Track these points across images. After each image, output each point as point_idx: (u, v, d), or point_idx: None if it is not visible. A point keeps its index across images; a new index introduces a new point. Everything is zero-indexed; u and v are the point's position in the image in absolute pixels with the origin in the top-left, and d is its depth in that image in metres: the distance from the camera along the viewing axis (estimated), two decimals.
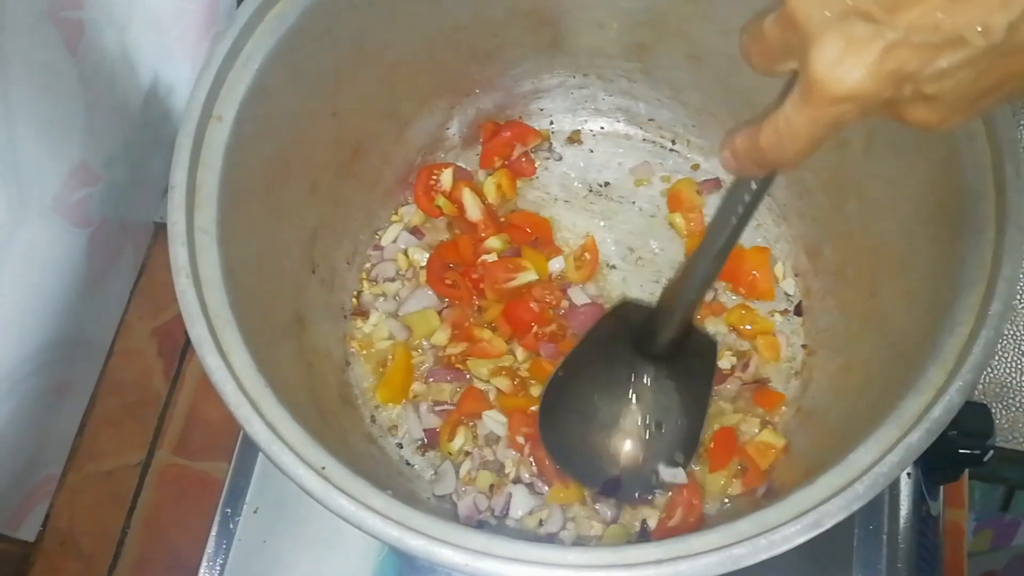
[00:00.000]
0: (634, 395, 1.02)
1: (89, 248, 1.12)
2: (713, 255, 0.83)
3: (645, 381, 1.02)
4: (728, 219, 0.78)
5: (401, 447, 1.06)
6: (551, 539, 1.00)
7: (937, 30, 0.49)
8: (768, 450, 1.01)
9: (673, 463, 1.00)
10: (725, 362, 1.09)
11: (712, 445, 1.03)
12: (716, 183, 1.19)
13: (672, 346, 0.99)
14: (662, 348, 0.99)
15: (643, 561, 0.67)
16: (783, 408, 1.05)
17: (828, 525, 0.68)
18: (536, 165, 1.22)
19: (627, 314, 1.07)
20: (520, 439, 1.04)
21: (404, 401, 1.08)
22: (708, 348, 1.05)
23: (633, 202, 1.20)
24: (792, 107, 0.56)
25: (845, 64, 0.52)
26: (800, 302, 1.12)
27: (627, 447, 1.02)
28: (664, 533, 0.99)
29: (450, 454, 1.05)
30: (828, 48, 0.52)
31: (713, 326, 1.11)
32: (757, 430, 1.04)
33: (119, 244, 1.21)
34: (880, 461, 0.70)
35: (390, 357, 1.10)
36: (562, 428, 1.03)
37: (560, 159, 1.22)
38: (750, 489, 0.99)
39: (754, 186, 0.74)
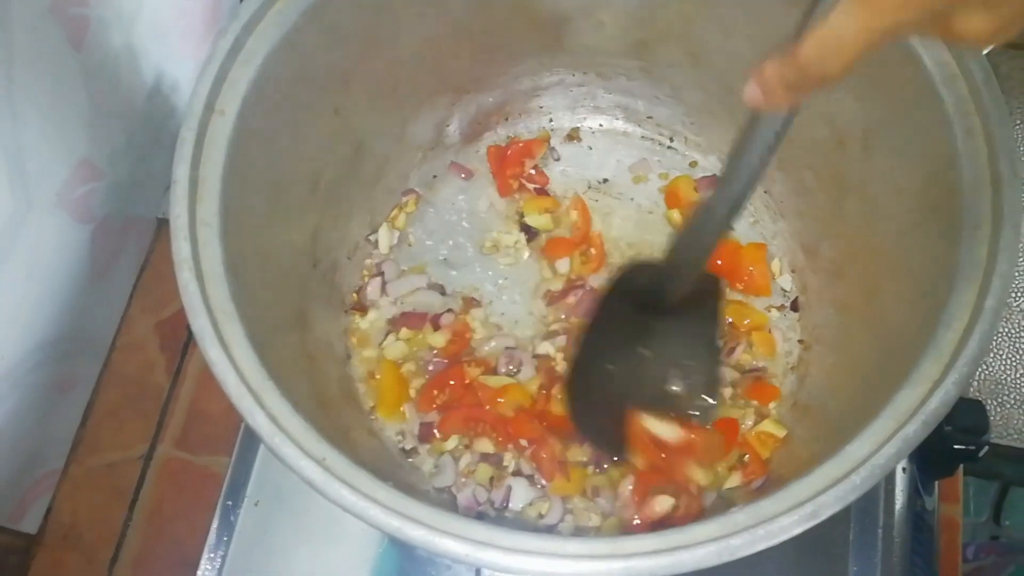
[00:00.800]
0: (646, 351, 1.00)
1: (92, 243, 1.13)
2: (730, 202, 0.78)
3: (654, 335, 1.00)
4: (751, 159, 0.73)
5: (401, 439, 1.07)
6: (550, 530, 1.01)
7: None
8: (769, 440, 1.02)
9: (702, 406, 0.99)
10: None
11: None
12: (714, 180, 1.19)
13: (679, 296, 0.94)
14: (671, 301, 0.94)
15: (641, 551, 0.68)
16: (779, 402, 1.06)
17: (825, 516, 0.69)
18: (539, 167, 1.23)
19: (631, 278, 1.02)
20: (523, 442, 1.05)
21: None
22: (711, 283, 1.02)
23: (632, 199, 1.20)
24: (843, 14, 0.54)
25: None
26: (796, 298, 1.12)
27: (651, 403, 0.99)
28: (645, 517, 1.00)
29: (442, 453, 1.06)
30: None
31: None
32: (752, 422, 1.05)
33: (122, 240, 1.21)
34: (877, 453, 0.70)
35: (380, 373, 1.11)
36: (588, 408, 1.01)
37: (559, 157, 1.23)
38: (748, 482, 1.00)
39: (778, 124, 0.70)
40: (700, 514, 0.99)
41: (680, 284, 0.92)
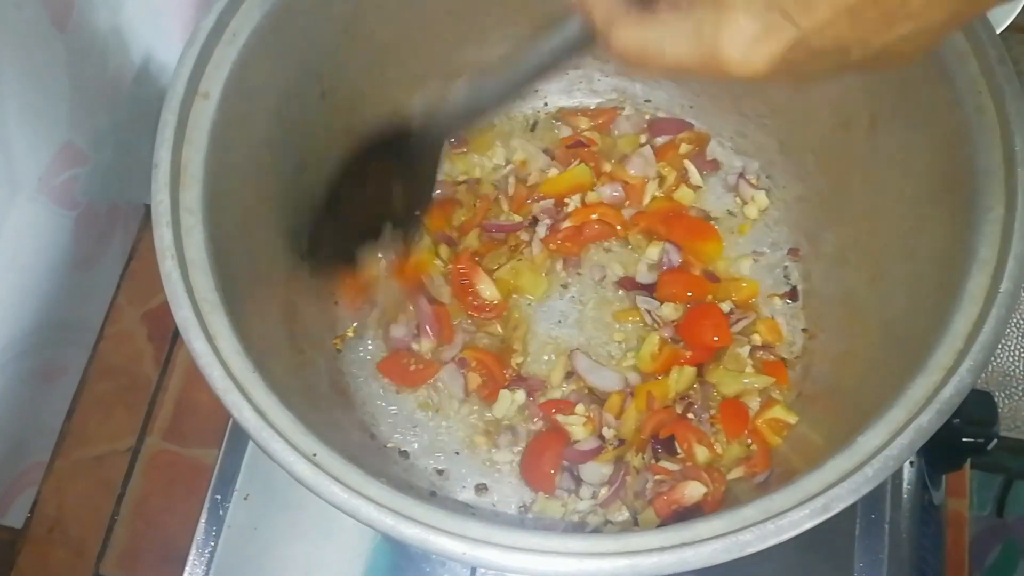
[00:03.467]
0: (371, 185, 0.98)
1: (76, 230, 1.10)
2: (505, 89, 0.79)
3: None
4: (535, 58, 0.75)
5: (394, 435, 1.05)
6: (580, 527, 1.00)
7: (834, 39, 0.52)
8: (779, 426, 1.00)
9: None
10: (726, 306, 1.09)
11: (719, 415, 1.03)
12: (714, 164, 1.17)
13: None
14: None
15: (646, 548, 0.66)
16: (788, 388, 1.04)
17: (837, 509, 0.67)
18: None
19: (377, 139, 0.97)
20: None
21: None
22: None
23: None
24: (676, 45, 0.55)
25: (754, 49, 0.52)
26: (795, 287, 1.10)
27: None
28: (666, 505, 0.99)
29: None
30: (745, 28, 0.52)
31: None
32: (759, 402, 1.03)
33: (108, 227, 1.19)
34: (890, 444, 0.69)
35: None
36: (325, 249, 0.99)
37: None
38: (751, 474, 0.98)
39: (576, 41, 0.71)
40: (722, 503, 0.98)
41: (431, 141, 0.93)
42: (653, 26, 0.56)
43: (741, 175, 1.15)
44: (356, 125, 1.04)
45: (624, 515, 1.00)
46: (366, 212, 0.99)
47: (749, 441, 1.01)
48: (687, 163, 1.16)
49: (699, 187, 1.16)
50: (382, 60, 1.04)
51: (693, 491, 0.98)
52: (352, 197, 0.98)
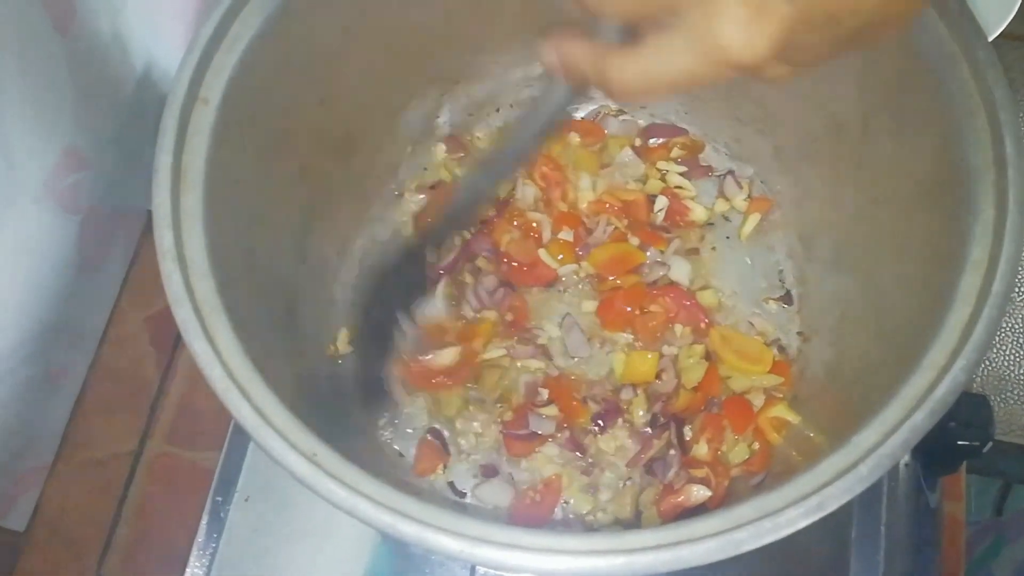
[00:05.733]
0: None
1: (80, 234, 1.10)
2: (497, 173, 0.80)
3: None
4: (531, 129, 0.74)
5: (394, 438, 1.06)
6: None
7: (824, 8, 0.51)
8: (779, 425, 1.00)
9: None
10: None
11: (724, 410, 1.04)
12: (707, 170, 1.18)
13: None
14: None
15: (643, 547, 0.66)
16: (787, 387, 1.05)
17: (832, 508, 0.67)
18: None
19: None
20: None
21: None
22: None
23: None
24: (678, 58, 0.54)
25: (753, 31, 0.51)
26: (788, 291, 1.11)
27: None
28: (671, 509, 0.99)
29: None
30: (738, 14, 0.51)
31: None
32: (762, 399, 1.03)
33: (111, 231, 1.19)
34: (884, 442, 0.69)
35: None
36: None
37: None
38: (748, 473, 0.99)
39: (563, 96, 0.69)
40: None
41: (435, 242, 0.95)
42: (647, 52, 0.55)
43: (735, 180, 1.16)
44: (354, 131, 1.05)
45: (627, 512, 1.01)
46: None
47: (754, 441, 1.02)
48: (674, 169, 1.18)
49: (691, 195, 1.17)
50: (381, 68, 1.04)
51: (698, 494, 0.98)
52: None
